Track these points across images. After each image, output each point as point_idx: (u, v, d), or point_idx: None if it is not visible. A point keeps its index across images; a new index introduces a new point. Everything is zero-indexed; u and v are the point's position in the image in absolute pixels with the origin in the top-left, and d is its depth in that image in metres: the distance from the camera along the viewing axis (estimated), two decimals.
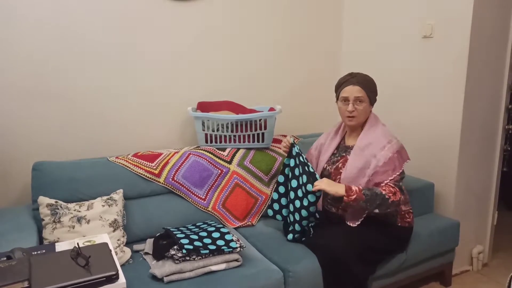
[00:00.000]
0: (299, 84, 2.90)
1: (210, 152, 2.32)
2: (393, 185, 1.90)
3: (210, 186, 2.27)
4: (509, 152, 2.69)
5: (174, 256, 1.72)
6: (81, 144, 2.26)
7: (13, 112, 2.09)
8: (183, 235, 1.81)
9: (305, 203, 1.94)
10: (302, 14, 2.81)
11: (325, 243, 1.89)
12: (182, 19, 2.41)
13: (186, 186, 2.21)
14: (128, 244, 1.96)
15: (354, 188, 1.85)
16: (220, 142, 2.38)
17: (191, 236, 1.81)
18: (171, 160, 2.21)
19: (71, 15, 2.13)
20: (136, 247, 1.96)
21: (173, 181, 2.18)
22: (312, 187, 1.88)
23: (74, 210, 1.83)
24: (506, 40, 2.41)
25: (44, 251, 1.35)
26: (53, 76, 2.14)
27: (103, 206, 1.89)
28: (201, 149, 2.33)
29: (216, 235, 1.84)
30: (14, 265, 1.18)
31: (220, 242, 1.79)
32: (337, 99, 2.07)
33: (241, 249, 1.81)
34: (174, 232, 1.86)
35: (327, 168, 2.10)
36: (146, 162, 2.17)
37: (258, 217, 2.33)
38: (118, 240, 1.86)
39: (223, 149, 2.37)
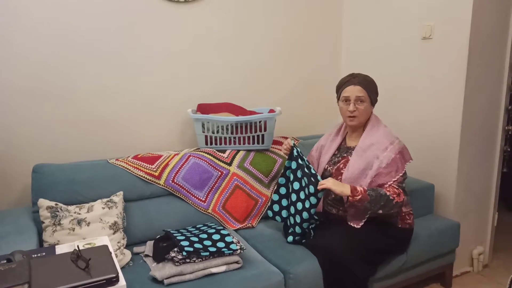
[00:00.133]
0: (298, 86, 2.90)
1: (210, 154, 2.32)
2: (397, 187, 1.92)
3: (210, 188, 2.27)
4: (509, 153, 2.69)
5: (174, 258, 1.72)
6: (81, 146, 2.26)
7: (13, 113, 2.09)
8: (183, 237, 1.81)
9: (307, 205, 1.94)
10: (301, 15, 2.81)
11: (325, 245, 1.89)
12: (181, 20, 2.42)
13: (186, 188, 2.21)
14: (128, 246, 1.96)
15: (359, 188, 1.86)
16: (220, 144, 2.38)
17: (191, 238, 1.81)
18: (171, 162, 2.21)
19: (71, 16, 2.14)
20: (136, 249, 1.96)
21: (173, 183, 2.18)
22: (315, 188, 1.89)
23: (74, 213, 1.83)
24: (506, 41, 2.41)
25: (44, 253, 1.35)
26: (53, 77, 2.15)
27: (103, 208, 1.88)
28: (201, 151, 2.33)
29: (216, 237, 1.84)
30: (14, 268, 1.17)
31: (221, 244, 1.79)
32: (338, 99, 2.08)
33: (242, 251, 1.81)
34: (174, 234, 1.85)
35: (328, 168, 2.10)
36: (146, 164, 2.17)
37: (258, 219, 2.33)
38: (118, 242, 1.86)
39: (223, 151, 2.37)
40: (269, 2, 2.67)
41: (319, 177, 1.93)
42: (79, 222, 1.81)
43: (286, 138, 2.60)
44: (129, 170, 2.12)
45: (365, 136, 2.02)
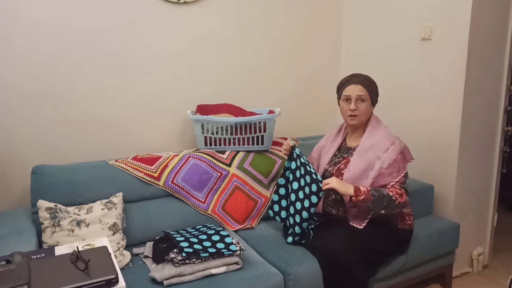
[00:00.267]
0: (298, 86, 2.90)
1: (209, 155, 2.32)
2: (399, 187, 1.92)
3: (209, 189, 2.27)
4: (508, 154, 2.69)
5: (174, 259, 1.72)
6: (81, 147, 2.26)
7: (12, 114, 2.09)
8: (182, 238, 1.81)
9: (306, 204, 1.94)
10: (301, 16, 2.81)
11: (325, 246, 1.89)
12: (181, 21, 2.42)
13: (186, 189, 2.20)
14: (128, 247, 1.95)
15: (362, 188, 1.86)
16: (220, 145, 2.38)
17: (191, 239, 1.80)
18: (170, 163, 2.21)
19: (71, 16, 2.14)
20: (136, 250, 1.96)
21: (172, 184, 2.18)
22: (317, 187, 1.89)
23: (74, 214, 1.83)
24: (505, 41, 2.41)
25: (43, 254, 1.35)
26: (53, 78, 2.15)
27: (103, 209, 1.88)
28: (201, 152, 2.33)
29: (215, 238, 1.84)
30: (13, 269, 1.17)
31: (220, 245, 1.79)
32: (339, 98, 2.08)
33: (241, 252, 1.81)
34: (174, 235, 1.85)
35: (329, 169, 2.10)
36: (145, 165, 2.16)
37: (257, 219, 2.33)
38: (118, 243, 1.85)
39: (223, 152, 2.37)
40: (269, 2, 2.68)
41: (319, 177, 1.93)
42: (79, 223, 1.80)
43: (286, 139, 2.60)
44: (129, 171, 2.12)
45: (366, 137, 2.02)
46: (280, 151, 2.37)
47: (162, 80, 2.43)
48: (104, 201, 1.94)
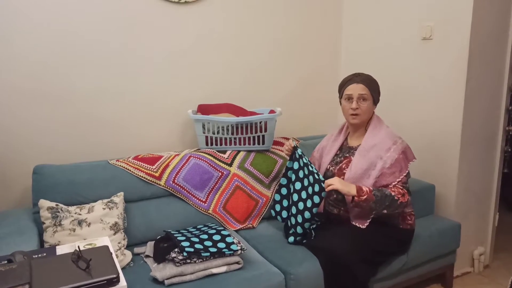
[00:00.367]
0: (298, 86, 2.90)
1: (210, 155, 2.32)
2: (401, 187, 1.93)
3: (210, 189, 2.27)
4: (510, 153, 2.69)
5: (175, 258, 1.72)
6: (81, 147, 2.26)
7: (12, 114, 2.08)
8: (184, 238, 1.81)
9: (309, 204, 1.94)
10: (301, 16, 2.81)
11: (326, 245, 1.89)
12: (181, 20, 2.42)
13: (187, 189, 2.20)
14: (129, 247, 1.95)
15: (364, 188, 1.86)
16: (221, 144, 2.38)
17: (192, 239, 1.80)
18: (171, 162, 2.21)
19: (71, 16, 2.13)
20: (137, 250, 1.96)
21: (173, 184, 2.17)
22: (320, 187, 1.89)
23: (75, 213, 1.83)
24: (506, 41, 2.41)
25: (45, 254, 1.35)
26: (53, 78, 2.14)
27: (104, 209, 1.88)
28: (202, 152, 2.33)
29: (217, 237, 1.84)
30: (15, 269, 1.17)
31: (221, 245, 1.79)
32: (341, 97, 2.08)
33: (242, 252, 1.81)
34: (175, 235, 1.85)
35: (330, 169, 2.10)
36: (146, 165, 2.16)
37: (259, 219, 2.33)
38: (119, 243, 1.85)
39: (224, 152, 2.37)
40: (269, 2, 2.67)
41: (321, 177, 1.93)
42: (80, 223, 1.80)
43: (287, 138, 2.60)
44: (130, 170, 2.12)
45: (368, 136, 2.02)
46: (281, 150, 2.38)
47: (162, 80, 2.43)
48: (105, 200, 1.94)
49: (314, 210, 1.94)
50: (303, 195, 1.98)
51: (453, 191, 2.43)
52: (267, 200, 2.36)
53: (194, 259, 1.73)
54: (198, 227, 2.04)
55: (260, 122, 2.33)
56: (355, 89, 1.99)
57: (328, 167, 2.12)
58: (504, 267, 2.68)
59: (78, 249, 1.26)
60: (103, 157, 2.25)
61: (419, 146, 2.50)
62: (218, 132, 2.34)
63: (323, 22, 2.92)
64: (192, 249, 1.72)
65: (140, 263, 1.87)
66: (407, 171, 1.97)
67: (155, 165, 2.18)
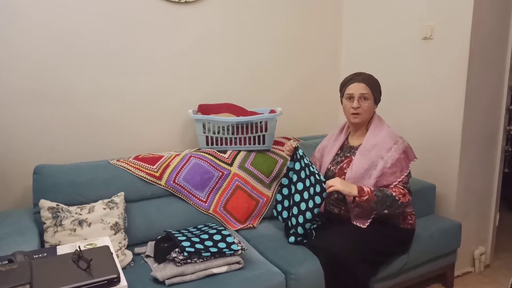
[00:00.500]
0: (299, 86, 2.90)
1: (211, 155, 2.32)
2: (402, 187, 1.92)
3: (211, 189, 2.26)
4: (510, 153, 2.69)
5: (176, 258, 1.71)
6: (81, 147, 2.25)
7: (12, 114, 2.08)
8: (184, 238, 1.81)
9: (311, 205, 1.94)
10: (301, 16, 2.81)
11: (327, 245, 1.88)
12: (182, 21, 2.42)
13: (187, 189, 2.20)
14: (130, 247, 1.95)
15: (366, 189, 1.86)
16: (221, 144, 2.38)
17: (193, 239, 1.80)
18: (172, 162, 2.21)
19: (71, 16, 2.13)
20: (138, 250, 1.96)
21: (174, 184, 2.17)
22: (321, 187, 1.88)
23: (75, 213, 1.83)
24: (507, 41, 2.41)
25: (45, 254, 1.35)
26: (53, 78, 2.14)
27: (104, 209, 1.88)
28: (202, 152, 2.33)
29: (217, 237, 1.84)
30: (15, 269, 1.17)
31: (222, 245, 1.79)
32: (342, 97, 2.08)
33: (243, 252, 1.81)
34: (176, 235, 1.85)
35: (331, 168, 2.10)
36: (147, 165, 2.16)
37: (259, 219, 2.32)
38: (120, 243, 1.85)
39: (224, 152, 2.37)
40: (269, 2, 2.67)
41: (322, 177, 1.93)
42: (80, 223, 1.80)
43: (287, 138, 2.60)
44: (130, 170, 2.11)
45: (369, 136, 2.02)
46: (282, 150, 2.37)
47: (162, 80, 2.42)
48: (105, 200, 1.94)
49: (316, 210, 1.94)
50: (305, 195, 1.98)
51: (454, 190, 2.43)
52: (268, 200, 2.36)
53: (195, 259, 1.73)
54: (199, 227, 2.04)
55: (261, 122, 2.33)
56: (357, 88, 1.99)
57: (329, 167, 2.12)
58: (505, 266, 2.68)
59: (78, 249, 1.26)
60: (103, 157, 2.25)
61: (420, 145, 2.50)
62: (218, 132, 2.34)
63: (323, 22, 2.92)
64: (192, 249, 1.71)
65: (140, 263, 1.86)
66: (408, 171, 1.97)
67: (156, 165, 2.18)
